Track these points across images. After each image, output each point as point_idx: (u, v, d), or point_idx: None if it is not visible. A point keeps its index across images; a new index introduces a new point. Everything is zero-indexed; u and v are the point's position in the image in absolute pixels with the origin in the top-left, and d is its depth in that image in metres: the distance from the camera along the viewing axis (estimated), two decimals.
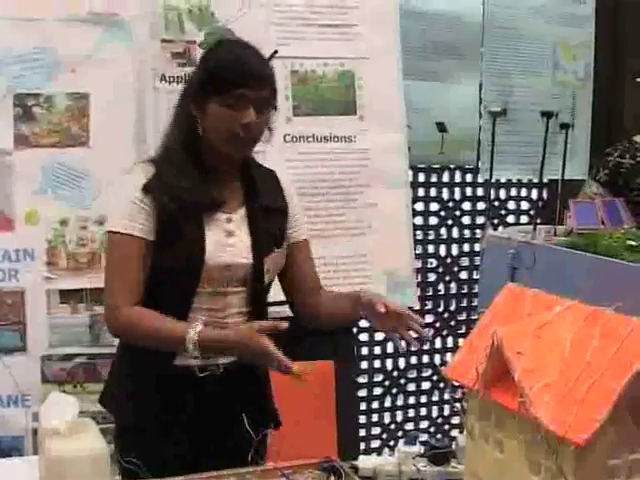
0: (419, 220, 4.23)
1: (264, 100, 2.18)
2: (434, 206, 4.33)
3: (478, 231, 4.31)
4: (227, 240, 2.23)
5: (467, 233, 4.42)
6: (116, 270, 2.23)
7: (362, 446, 4.09)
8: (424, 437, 2.25)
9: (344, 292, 2.41)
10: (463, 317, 4.42)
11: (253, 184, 2.30)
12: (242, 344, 2.08)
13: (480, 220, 4.39)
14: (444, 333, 4.41)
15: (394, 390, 4.35)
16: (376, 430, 4.31)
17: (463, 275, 4.44)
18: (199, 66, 2.28)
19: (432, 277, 4.37)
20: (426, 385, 4.41)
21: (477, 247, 4.30)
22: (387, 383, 4.33)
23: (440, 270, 4.37)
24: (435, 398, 4.42)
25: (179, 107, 2.27)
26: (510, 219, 4.50)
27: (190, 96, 2.23)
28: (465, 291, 4.42)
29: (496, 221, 4.42)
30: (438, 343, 4.42)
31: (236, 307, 2.27)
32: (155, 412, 2.21)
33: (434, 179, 4.30)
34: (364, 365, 4.26)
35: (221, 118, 2.17)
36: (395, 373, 4.33)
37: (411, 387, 4.40)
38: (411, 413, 4.40)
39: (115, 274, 2.23)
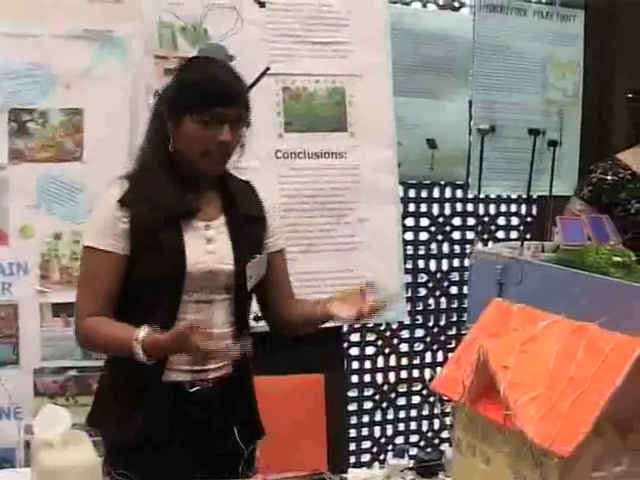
0: (409, 235, 4.25)
1: (238, 118, 2.22)
2: (424, 221, 4.35)
3: (468, 246, 4.33)
4: (207, 247, 2.26)
5: (457, 248, 4.44)
6: (84, 283, 2.29)
7: (352, 460, 4.10)
8: (414, 451, 2.26)
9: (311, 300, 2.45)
10: (453, 332, 4.44)
11: (230, 193, 2.34)
12: (176, 344, 2.08)
13: (470, 235, 4.41)
14: (434, 348, 4.43)
15: (384, 404, 4.36)
16: (366, 444, 4.32)
17: (453, 290, 4.46)
18: (173, 82, 2.30)
19: (422, 292, 4.39)
20: (416, 399, 4.42)
21: (467, 262, 4.31)
22: (377, 397, 4.34)
23: (430, 285, 4.39)
24: (425, 412, 4.43)
25: (153, 122, 2.29)
26: (500, 235, 4.53)
27: (164, 112, 2.25)
28: (455, 306, 4.44)
29: (486, 237, 4.45)
30: (428, 357, 4.44)
31: (221, 317, 2.29)
32: (146, 430, 2.21)
33: (424, 195, 4.32)
34: (354, 379, 4.27)
35: (196, 135, 2.20)
36: (385, 387, 4.35)
37: (401, 401, 4.41)
38: (401, 427, 4.41)
39: (83, 287, 2.29)
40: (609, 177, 3.42)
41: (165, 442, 2.21)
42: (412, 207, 4.29)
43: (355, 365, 4.26)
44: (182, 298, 2.23)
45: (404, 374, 4.40)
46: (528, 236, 4.06)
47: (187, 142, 2.22)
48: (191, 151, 2.22)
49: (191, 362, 2.21)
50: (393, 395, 4.37)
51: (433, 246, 4.39)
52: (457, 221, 4.43)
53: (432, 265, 4.39)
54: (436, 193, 4.36)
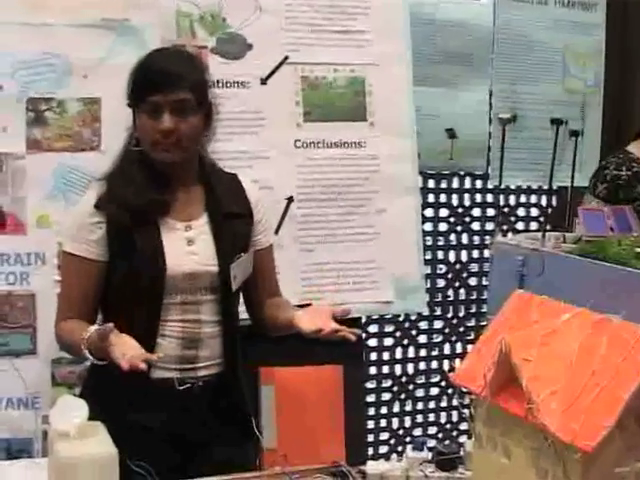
0: (428, 226, 4.23)
1: (181, 103, 2.17)
2: (444, 212, 4.33)
3: (488, 237, 4.31)
4: (188, 248, 2.24)
5: (476, 239, 4.42)
6: (62, 288, 2.32)
7: (370, 452, 4.09)
8: (432, 443, 2.25)
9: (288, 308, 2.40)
10: (472, 323, 4.42)
11: (213, 190, 2.31)
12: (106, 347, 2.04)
13: (490, 226, 4.39)
14: (453, 339, 4.41)
15: (402, 396, 4.34)
16: (384, 436, 4.31)
17: (472, 281, 4.44)
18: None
19: (441, 283, 4.37)
20: (435, 391, 4.41)
21: (487, 253, 4.29)
22: (395, 389, 4.32)
23: (449, 276, 4.38)
24: (443, 404, 4.42)
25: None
26: (520, 226, 4.50)
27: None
28: (474, 297, 4.42)
29: (506, 227, 4.42)
30: (447, 349, 4.43)
31: (209, 317, 2.27)
32: (138, 429, 2.16)
33: (444, 185, 4.30)
34: (373, 370, 4.26)
35: (143, 127, 2.21)
36: (404, 379, 4.33)
37: (419, 393, 4.39)
38: (419, 419, 4.40)
39: (61, 292, 2.32)
40: (623, 172, 3.38)
41: (155, 441, 2.19)
42: (431, 198, 4.27)
43: (373, 356, 4.25)
44: (164, 301, 2.21)
45: (422, 365, 4.39)
46: (549, 227, 4.04)
47: (140, 135, 2.22)
48: (144, 143, 2.22)
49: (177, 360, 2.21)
50: (411, 387, 4.36)
51: (452, 237, 4.37)
52: (477, 212, 4.41)
53: (451, 256, 4.38)
54: (455, 183, 4.34)
